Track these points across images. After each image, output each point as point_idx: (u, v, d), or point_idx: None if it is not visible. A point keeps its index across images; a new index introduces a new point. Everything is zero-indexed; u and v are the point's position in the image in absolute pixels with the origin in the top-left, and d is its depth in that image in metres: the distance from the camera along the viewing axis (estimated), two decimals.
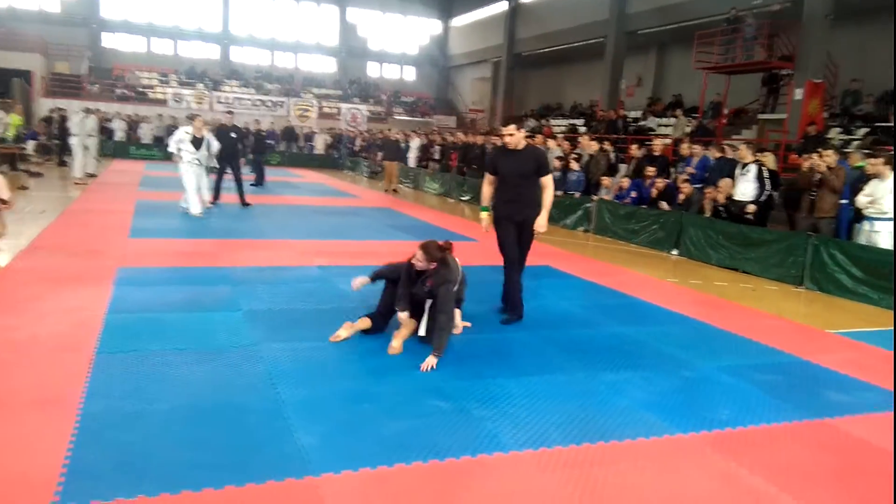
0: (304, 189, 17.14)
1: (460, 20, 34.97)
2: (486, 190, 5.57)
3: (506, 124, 5.38)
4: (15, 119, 16.60)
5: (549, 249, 8.98)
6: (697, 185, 10.39)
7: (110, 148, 23.10)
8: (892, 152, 8.17)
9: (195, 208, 10.22)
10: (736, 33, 16.14)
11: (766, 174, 8.97)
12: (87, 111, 15.70)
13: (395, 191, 17.45)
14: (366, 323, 4.79)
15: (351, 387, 3.82)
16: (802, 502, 2.89)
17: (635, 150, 12.55)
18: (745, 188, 9.06)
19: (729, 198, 9.33)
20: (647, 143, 14.35)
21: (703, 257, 9.25)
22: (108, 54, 30.72)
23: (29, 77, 24.80)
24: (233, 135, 11.88)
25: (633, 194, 11.45)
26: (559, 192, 9.01)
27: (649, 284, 7.50)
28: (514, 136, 5.25)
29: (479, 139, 17.33)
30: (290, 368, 4.05)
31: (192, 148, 10.15)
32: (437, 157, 19.31)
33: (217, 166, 11.56)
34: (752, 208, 8.93)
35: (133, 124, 25.44)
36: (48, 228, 8.33)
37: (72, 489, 2.59)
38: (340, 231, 10.16)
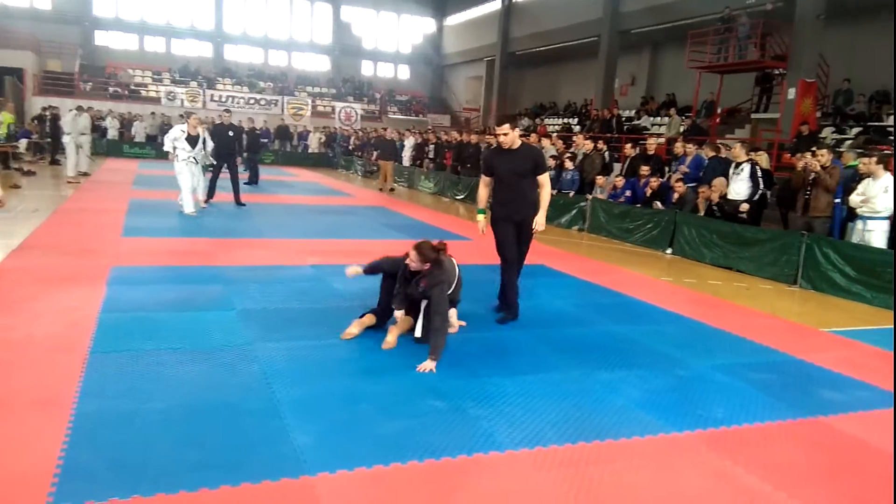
0: (298, 188, 17.10)
1: (454, 19, 34.97)
2: (483, 192, 5.55)
3: (500, 123, 5.34)
4: (7, 117, 16.50)
5: (544, 248, 8.98)
6: (691, 185, 10.41)
7: (103, 146, 23.00)
8: (886, 152, 8.21)
9: (188, 207, 10.18)
10: (729, 33, 16.19)
11: (759, 173, 9.00)
12: (80, 109, 15.62)
13: (391, 190, 17.42)
14: (371, 319, 4.83)
15: (346, 386, 3.81)
16: (797, 500, 2.90)
17: (629, 150, 12.57)
18: (739, 187, 9.09)
19: (723, 197, 9.36)
20: (641, 142, 14.38)
21: (697, 256, 9.27)
22: (101, 52, 30.59)
23: (21, 75, 24.66)
24: (230, 133, 11.85)
25: (628, 193, 11.47)
26: (553, 192, 9.00)
27: (644, 283, 7.51)
28: (509, 136, 5.19)
29: (474, 138, 17.33)
30: (284, 368, 4.04)
31: (187, 146, 10.11)
32: (431, 155, 19.29)
33: (213, 164, 11.52)
34: (745, 207, 8.96)
35: (126, 123, 25.34)
36: (41, 227, 8.29)
37: (66, 489, 2.58)
38: (335, 230, 10.14)
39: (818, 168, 8.24)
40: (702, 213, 9.74)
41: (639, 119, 20.75)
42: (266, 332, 4.70)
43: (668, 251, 9.79)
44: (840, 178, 8.26)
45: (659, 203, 10.62)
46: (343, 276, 6.45)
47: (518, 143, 5.30)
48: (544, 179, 5.36)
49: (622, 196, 11.55)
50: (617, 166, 13.79)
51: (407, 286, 4.64)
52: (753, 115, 17.27)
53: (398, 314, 4.71)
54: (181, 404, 3.42)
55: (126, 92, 28.49)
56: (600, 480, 2.94)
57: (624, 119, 20.13)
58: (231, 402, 3.50)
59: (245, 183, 14.71)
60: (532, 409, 3.67)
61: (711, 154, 10.34)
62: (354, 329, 4.76)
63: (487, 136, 16.35)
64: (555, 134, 19.03)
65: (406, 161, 20.33)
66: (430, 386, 3.89)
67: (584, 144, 13.32)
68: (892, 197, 7.46)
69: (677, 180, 10.55)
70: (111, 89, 28.32)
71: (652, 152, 11.90)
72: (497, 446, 3.18)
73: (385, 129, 20.56)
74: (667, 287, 7.46)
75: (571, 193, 12.39)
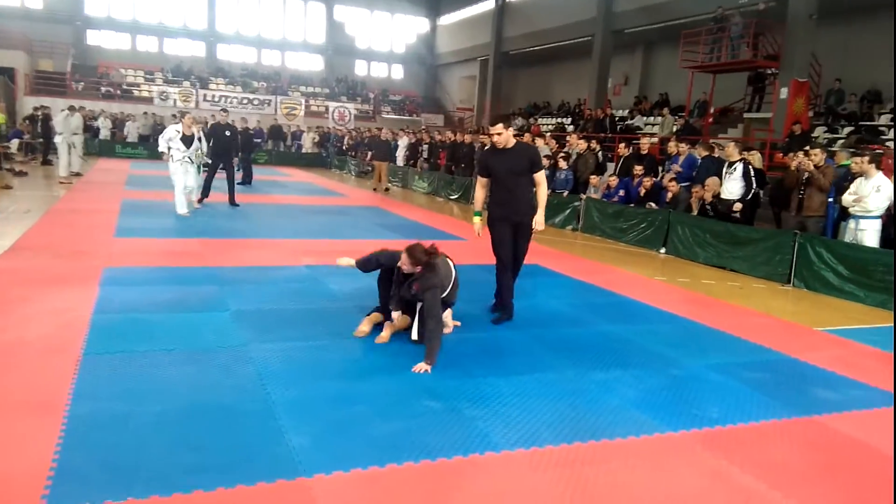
0: (291, 188, 17.06)
1: (448, 18, 34.97)
2: (479, 194, 5.52)
3: (493, 123, 5.32)
4: None
5: (539, 248, 8.98)
6: (685, 184, 10.44)
7: (95, 146, 22.90)
8: (878, 151, 8.24)
9: (181, 208, 10.14)
10: (722, 32, 16.24)
11: (752, 172, 9.03)
12: (72, 109, 15.54)
13: (386, 190, 17.39)
14: (379, 317, 4.86)
15: (342, 387, 3.80)
16: (792, 500, 2.90)
17: (623, 149, 12.59)
18: (732, 187, 9.11)
19: (716, 196, 9.39)
20: (635, 141, 14.42)
21: (690, 256, 9.29)
22: (93, 51, 30.45)
23: (12, 75, 24.52)
24: (227, 133, 11.80)
25: (621, 193, 11.50)
26: (548, 191, 9.00)
27: (638, 283, 7.53)
28: (503, 135, 5.17)
29: (468, 138, 17.33)
30: (279, 369, 4.03)
31: (182, 146, 10.06)
32: (425, 155, 19.29)
33: (208, 163, 11.47)
34: (739, 207, 8.98)
35: (118, 122, 25.23)
36: (33, 228, 8.24)
37: (59, 492, 2.56)
38: (329, 230, 10.12)
39: (811, 168, 8.27)
40: (695, 213, 9.76)
41: (632, 119, 20.80)
42: (260, 333, 4.69)
43: (662, 251, 9.81)
44: (833, 178, 8.30)
45: (652, 203, 10.64)
46: (338, 277, 6.49)
47: (512, 142, 5.29)
48: (541, 177, 5.35)
49: (616, 196, 11.58)
50: (610, 166, 13.81)
51: (400, 288, 4.64)
52: (746, 115, 17.34)
53: (395, 315, 4.71)
54: (175, 406, 3.40)
55: (118, 92, 28.38)
56: (596, 480, 2.95)
57: (617, 119, 20.17)
58: (226, 403, 3.49)
59: (239, 183, 14.66)
60: (527, 409, 3.67)
61: (704, 153, 10.37)
62: (366, 327, 4.80)
63: (481, 136, 16.35)
64: (548, 133, 19.05)
65: (400, 161, 20.31)
66: (426, 386, 3.88)
67: (577, 144, 13.34)
68: (884, 196, 7.49)
69: (670, 180, 10.58)
70: (103, 89, 28.20)
71: (645, 152, 11.94)
72: (493, 447, 3.18)
73: (379, 129, 20.53)
74: (661, 286, 7.47)
75: (565, 193, 12.41)
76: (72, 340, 4.27)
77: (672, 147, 11.47)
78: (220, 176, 11.83)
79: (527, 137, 14.51)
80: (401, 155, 20.43)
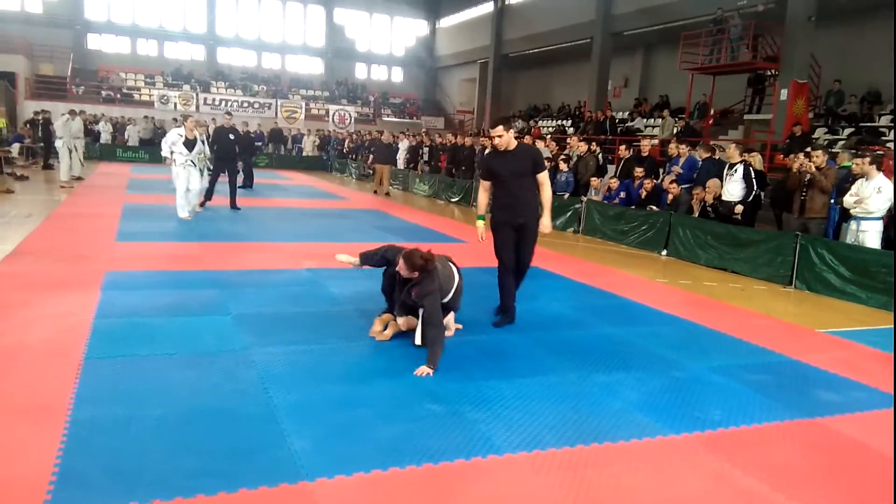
0: (292, 191, 17.07)
1: (447, 21, 35.01)
2: (482, 198, 5.49)
3: (493, 126, 5.31)
4: None
5: (539, 250, 8.91)
6: (685, 186, 10.44)
7: (96, 150, 22.92)
8: (878, 152, 8.24)
9: (182, 212, 10.14)
10: (721, 34, 16.25)
11: (752, 174, 9.02)
12: (72, 113, 15.56)
13: (387, 194, 17.38)
14: (389, 317, 4.87)
15: (344, 390, 3.80)
16: (795, 502, 2.90)
17: (623, 151, 12.59)
18: (733, 188, 9.11)
19: (717, 198, 9.38)
20: (635, 143, 14.42)
21: (692, 257, 9.29)
22: (93, 55, 30.49)
23: (13, 79, 24.56)
24: (231, 136, 11.81)
25: (622, 195, 11.49)
26: None
27: (639, 285, 7.52)
28: (504, 137, 5.14)
29: (468, 140, 17.34)
30: (281, 372, 4.02)
31: (184, 150, 10.06)
32: (426, 158, 19.30)
33: (210, 167, 11.48)
34: (740, 209, 8.98)
35: (119, 126, 25.26)
36: (34, 232, 8.24)
37: (61, 497, 2.56)
38: (330, 233, 10.12)
39: (813, 169, 8.27)
40: (696, 215, 9.76)
41: (632, 121, 20.81)
42: (262, 337, 4.68)
43: (663, 253, 9.80)
44: (835, 179, 8.29)
45: (653, 206, 10.65)
46: (339, 280, 6.49)
47: (514, 144, 5.27)
48: (544, 178, 5.33)
49: (616, 198, 11.57)
50: (611, 168, 13.81)
51: (401, 293, 4.63)
52: (746, 117, 17.36)
53: (400, 321, 4.70)
54: (177, 410, 3.40)
55: (119, 95, 28.43)
56: (599, 483, 2.94)
57: (617, 121, 20.18)
58: (227, 407, 3.49)
59: (239, 186, 14.68)
60: (530, 412, 3.66)
61: (705, 155, 10.37)
62: (378, 327, 4.83)
63: (482, 139, 16.36)
64: (549, 136, 19.06)
65: (400, 164, 20.32)
66: (428, 390, 3.88)
67: (578, 146, 13.34)
68: (885, 197, 7.49)
69: (671, 182, 10.57)
70: (104, 93, 28.25)
71: (646, 154, 11.94)
72: (495, 450, 3.17)
73: (380, 133, 20.55)
74: (662, 288, 7.47)
75: (566, 195, 12.40)
76: (73, 344, 4.26)
77: (672, 149, 11.47)
78: (222, 179, 11.83)
79: (527, 140, 14.49)
80: (401, 158, 20.44)
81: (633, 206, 11.00)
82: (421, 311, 4.48)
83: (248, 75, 32.64)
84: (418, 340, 4.51)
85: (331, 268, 7.04)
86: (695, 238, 9.31)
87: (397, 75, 37.16)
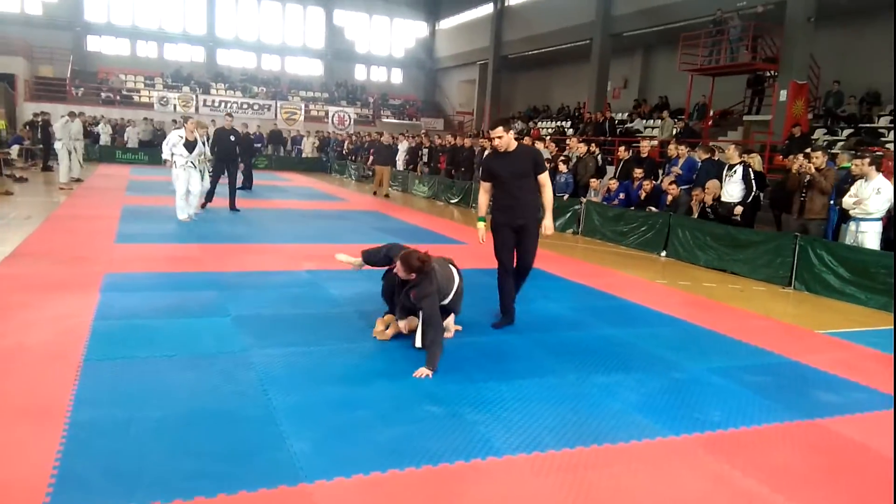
0: (291, 193, 17.07)
1: (447, 23, 35.02)
2: (483, 199, 5.46)
3: (493, 127, 5.30)
4: None
5: (539, 252, 8.94)
6: (685, 187, 10.44)
7: (96, 152, 22.93)
8: (878, 153, 8.23)
9: (182, 213, 10.14)
10: (721, 35, 16.26)
11: (752, 175, 9.03)
12: (72, 115, 15.57)
13: (386, 195, 17.37)
14: (391, 318, 4.87)
15: (343, 392, 3.80)
16: (795, 503, 2.89)
17: (623, 152, 12.60)
18: (732, 189, 9.12)
19: (716, 199, 9.39)
20: (635, 144, 14.42)
21: (691, 259, 9.29)
22: (93, 57, 30.49)
23: (12, 81, 24.56)
24: (232, 138, 11.82)
25: (622, 196, 11.50)
26: None
27: (639, 286, 7.52)
28: (504, 139, 5.12)
29: (468, 142, 17.35)
30: (280, 374, 4.02)
31: (184, 151, 10.05)
32: (425, 159, 19.31)
33: (211, 168, 11.47)
34: (739, 210, 8.98)
35: (118, 128, 25.26)
36: (33, 234, 8.24)
37: (60, 499, 2.55)
38: (329, 235, 10.11)
39: (813, 171, 8.27)
40: (695, 216, 9.76)
41: (632, 122, 20.83)
42: (261, 339, 4.68)
43: (663, 254, 9.80)
44: (834, 180, 8.29)
45: (652, 207, 10.65)
46: (338, 282, 6.49)
47: (514, 144, 5.25)
48: (545, 179, 5.31)
49: (616, 199, 11.58)
50: (610, 169, 13.82)
51: (400, 295, 4.63)
52: (745, 118, 17.36)
53: (402, 325, 4.69)
54: (176, 412, 3.40)
55: (118, 97, 28.43)
56: (598, 485, 2.94)
57: (617, 122, 20.19)
58: (227, 409, 3.48)
59: (239, 188, 14.70)
60: (529, 413, 3.66)
61: (705, 156, 10.37)
62: (381, 327, 4.83)
63: (481, 140, 16.36)
64: (548, 137, 19.06)
65: (400, 165, 20.33)
66: (427, 391, 3.87)
67: (577, 147, 13.35)
68: (885, 198, 7.49)
69: (670, 183, 10.58)
70: (103, 95, 28.26)
71: (645, 155, 11.94)
72: (495, 452, 3.17)
73: (380, 134, 20.56)
74: (661, 289, 7.47)
75: (565, 196, 12.40)
76: (72, 346, 4.26)
77: (672, 150, 11.48)
78: (222, 181, 11.83)
79: (526, 141, 14.50)
80: (401, 159, 20.45)
81: (633, 207, 11.01)
82: (420, 313, 4.48)
83: (247, 77, 32.65)
84: (419, 343, 4.49)
85: (330, 269, 7.05)
86: (694, 239, 9.31)
87: (397, 77, 37.18)
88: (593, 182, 12.27)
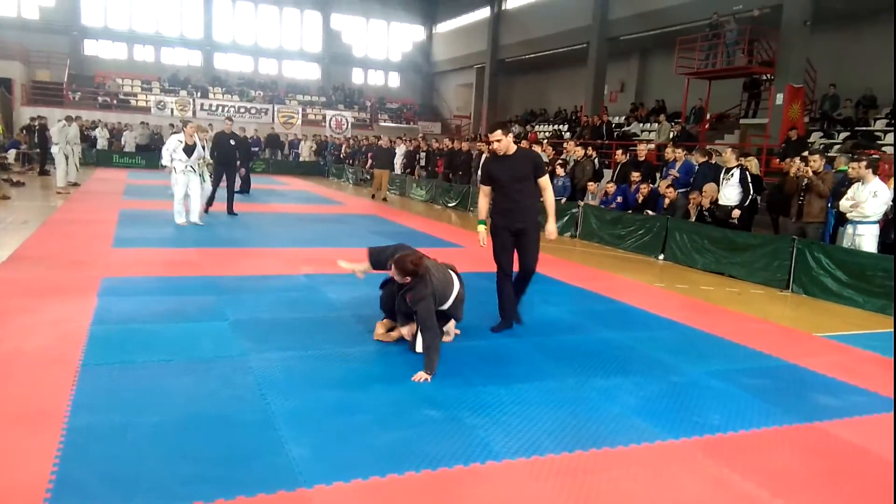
0: (289, 197, 17.06)
1: (444, 27, 35.07)
2: (483, 202, 5.44)
3: (492, 130, 5.29)
4: None
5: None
6: (682, 190, 10.45)
7: (93, 156, 22.89)
8: (874, 156, 8.25)
9: (180, 217, 10.12)
10: (717, 39, 16.30)
11: (749, 178, 9.04)
12: (69, 119, 15.54)
13: (384, 199, 17.35)
14: (389, 322, 4.89)
15: (342, 397, 3.79)
16: None
17: (620, 156, 12.62)
18: (730, 192, 9.13)
19: (714, 202, 9.40)
20: (632, 148, 14.43)
21: (688, 262, 9.30)
22: (90, 61, 30.48)
23: (9, 85, 24.50)
24: (231, 142, 11.81)
25: (619, 199, 11.51)
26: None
27: (637, 289, 7.52)
28: (503, 142, 5.11)
29: (465, 145, 17.35)
30: (278, 379, 4.01)
31: (184, 156, 10.03)
32: (422, 163, 19.31)
33: (210, 173, 11.46)
34: (737, 214, 8.99)
35: (115, 132, 25.23)
36: (30, 239, 8.22)
37: None
38: (327, 238, 10.11)
39: (810, 174, 8.28)
40: (693, 219, 9.77)
41: (629, 125, 20.86)
42: (259, 343, 4.67)
43: (660, 257, 9.81)
44: (832, 183, 8.31)
45: (649, 211, 10.67)
46: (336, 286, 6.48)
47: (513, 148, 5.23)
48: (545, 182, 5.31)
49: (613, 202, 11.59)
50: (607, 173, 13.84)
51: (397, 299, 4.62)
52: (742, 121, 17.40)
53: (405, 330, 4.66)
54: (174, 417, 3.39)
55: (115, 101, 28.39)
56: (598, 489, 2.93)
57: (614, 125, 20.22)
58: (225, 413, 3.47)
59: (236, 192, 14.69)
60: (528, 417, 3.65)
61: (702, 160, 10.39)
62: (381, 329, 4.84)
63: (479, 144, 16.37)
64: (545, 141, 19.09)
65: (397, 169, 20.33)
66: (426, 396, 3.87)
67: (574, 151, 13.36)
68: (881, 201, 7.51)
69: (667, 186, 10.59)
70: (100, 99, 28.23)
71: (642, 158, 11.95)
72: (493, 456, 3.16)
73: (377, 138, 20.55)
74: (660, 293, 7.47)
75: (563, 200, 12.40)
76: (70, 351, 4.25)
77: (669, 153, 11.49)
78: (221, 184, 11.82)
79: (523, 145, 14.52)
80: (398, 163, 20.44)
81: (630, 211, 11.02)
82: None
83: (244, 81, 32.65)
84: (419, 348, 4.46)
85: (328, 273, 7.05)
86: (692, 242, 9.32)
87: (394, 80, 37.21)
88: (590, 185, 12.28)
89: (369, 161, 19.61)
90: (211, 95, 30.05)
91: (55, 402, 3.47)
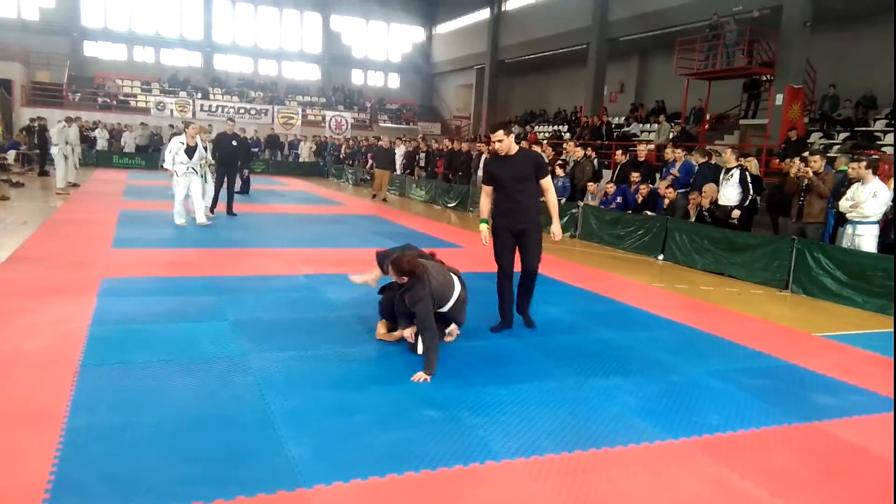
0: (289, 197, 17.06)
1: (444, 27, 35.09)
2: (485, 202, 5.43)
3: (493, 130, 5.27)
4: None
5: None
6: (682, 191, 10.45)
7: (92, 157, 22.89)
8: (874, 156, 8.25)
9: (179, 218, 10.12)
10: (717, 39, 16.31)
11: (749, 178, 9.05)
12: (69, 120, 15.54)
13: (384, 199, 17.35)
14: (388, 323, 4.88)
15: (341, 397, 3.79)
16: None
17: (620, 156, 12.62)
18: (729, 193, 9.13)
19: (713, 202, 9.40)
20: (631, 148, 14.44)
21: (688, 262, 9.30)
22: (90, 62, 30.48)
23: (9, 86, 24.49)
24: (233, 143, 11.81)
25: (619, 200, 11.51)
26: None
27: (637, 289, 7.52)
28: (504, 142, 5.09)
29: (465, 146, 17.36)
30: (278, 379, 4.01)
31: (185, 157, 10.02)
32: (422, 164, 19.31)
33: (212, 173, 11.45)
34: (737, 214, 8.99)
35: (115, 133, 25.24)
36: (30, 239, 8.22)
37: None
38: (327, 239, 10.11)
39: (810, 175, 8.28)
40: (692, 219, 9.78)
41: (628, 126, 20.86)
42: (259, 343, 4.67)
43: (660, 257, 9.81)
44: (833, 184, 8.31)
45: (648, 211, 10.67)
46: (336, 286, 6.48)
47: (515, 148, 5.22)
48: (548, 183, 5.29)
49: (613, 203, 11.59)
50: (607, 173, 13.84)
51: (396, 299, 4.62)
52: (742, 121, 17.40)
53: (407, 333, 4.64)
54: (174, 417, 3.39)
55: (115, 102, 28.39)
56: (597, 489, 2.93)
57: (614, 126, 20.23)
58: (224, 413, 3.47)
59: (236, 192, 14.69)
60: (528, 417, 3.65)
61: (702, 160, 10.40)
62: (383, 329, 4.84)
63: (478, 144, 16.37)
64: (545, 141, 19.09)
65: (397, 169, 20.33)
66: (425, 396, 3.87)
67: (574, 151, 13.37)
68: (881, 201, 7.51)
69: (667, 187, 10.59)
70: (100, 100, 28.23)
71: (642, 159, 11.96)
72: (493, 455, 3.16)
73: (377, 139, 20.55)
74: (659, 293, 7.47)
75: (563, 200, 12.40)
76: (70, 352, 4.25)
77: (669, 154, 11.50)
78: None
79: (523, 145, 14.53)
80: (398, 163, 20.45)
81: (630, 211, 11.02)
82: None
83: (244, 82, 32.66)
84: (420, 350, 4.43)
85: (328, 273, 7.06)
86: (691, 242, 9.32)
87: (394, 81, 37.22)
88: (590, 186, 12.28)
89: (369, 161, 19.59)
90: (211, 96, 30.07)
91: (54, 402, 3.47)
